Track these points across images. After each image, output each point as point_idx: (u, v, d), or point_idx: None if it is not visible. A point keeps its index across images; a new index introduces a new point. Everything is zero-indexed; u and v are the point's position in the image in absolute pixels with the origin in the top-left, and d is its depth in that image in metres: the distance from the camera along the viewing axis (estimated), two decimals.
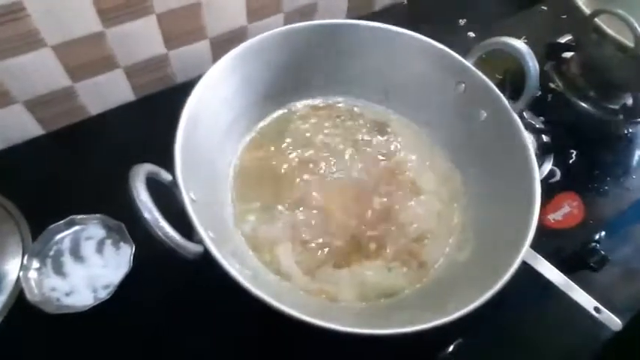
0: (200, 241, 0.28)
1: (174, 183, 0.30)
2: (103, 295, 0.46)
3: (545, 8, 0.77)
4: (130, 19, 0.53)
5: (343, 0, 0.71)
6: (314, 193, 0.46)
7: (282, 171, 0.48)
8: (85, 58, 0.53)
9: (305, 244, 0.43)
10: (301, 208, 0.45)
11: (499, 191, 0.41)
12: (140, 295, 0.47)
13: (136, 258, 0.48)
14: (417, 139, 0.51)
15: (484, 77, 0.41)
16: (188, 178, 0.30)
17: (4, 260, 0.49)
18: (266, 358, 0.46)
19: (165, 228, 0.28)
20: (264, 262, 0.41)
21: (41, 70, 0.51)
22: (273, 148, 0.48)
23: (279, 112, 0.50)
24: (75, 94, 0.56)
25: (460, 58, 0.42)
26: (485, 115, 0.42)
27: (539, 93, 0.58)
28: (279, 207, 0.45)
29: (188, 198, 0.29)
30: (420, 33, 0.71)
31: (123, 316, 0.46)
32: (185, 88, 0.63)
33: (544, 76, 0.61)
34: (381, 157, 0.50)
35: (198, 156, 0.34)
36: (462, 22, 0.77)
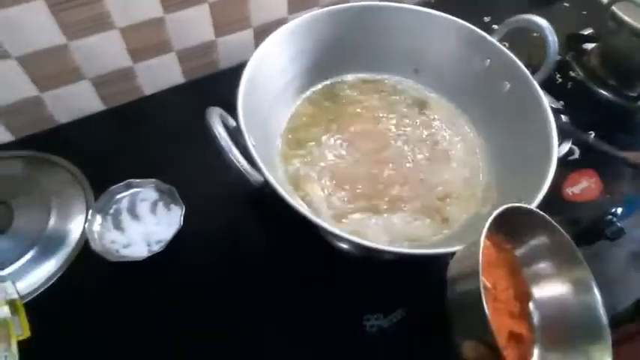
0: (262, 173, 0.33)
1: (237, 129, 0.35)
2: (156, 248, 0.51)
3: (567, 5, 0.81)
4: (186, 6, 0.59)
5: None
6: (357, 144, 0.52)
7: (330, 122, 0.54)
8: (146, 41, 0.59)
9: (339, 189, 0.48)
10: (343, 154, 0.51)
11: (520, 153, 0.45)
12: (189, 250, 0.52)
13: (186, 218, 0.53)
14: (452, 116, 0.56)
15: (508, 52, 0.45)
16: (249, 125, 0.35)
17: (70, 219, 0.55)
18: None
19: (237, 155, 0.33)
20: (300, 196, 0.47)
21: (108, 51, 0.58)
22: (327, 104, 0.55)
23: (328, 81, 0.56)
24: (134, 74, 0.62)
25: (486, 35, 0.46)
26: (508, 86, 0.46)
27: (559, 81, 0.62)
28: (324, 152, 0.51)
29: (250, 141, 0.34)
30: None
31: (174, 267, 0.51)
32: (228, 74, 0.70)
33: (565, 65, 0.65)
34: (418, 130, 0.55)
35: (257, 110, 0.39)
36: (487, 19, 0.81)
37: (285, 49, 0.44)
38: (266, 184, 0.32)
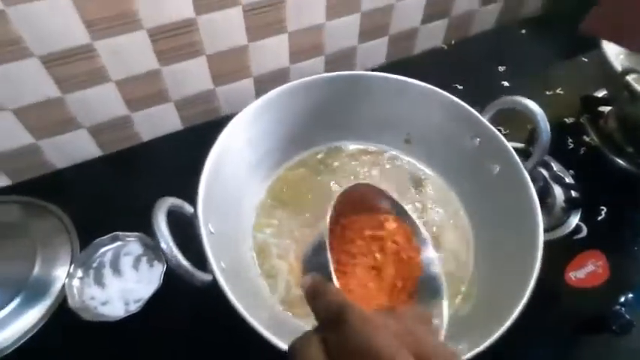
0: (211, 271, 0.31)
1: (195, 215, 0.34)
2: (133, 308, 0.50)
3: (586, 60, 0.76)
4: (183, 59, 0.59)
5: (383, 44, 0.75)
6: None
7: (309, 196, 0.51)
8: (142, 91, 0.60)
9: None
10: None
11: (506, 246, 0.41)
12: (165, 311, 0.51)
13: (166, 276, 0.52)
14: (445, 196, 0.53)
15: (497, 133, 0.42)
16: (209, 211, 0.34)
17: (55, 267, 0.55)
18: None
19: (177, 257, 0.31)
20: (264, 270, 0.44)
21: (105, 102, 0.58)
22: (307, 175, 0.51)
23: (305, 153, 0.54)
24: (131, 122, 0.63)
25: (475, 112, 0.44)
26: (498, 169, 0.43)
27: (571, 146, 0.58)
28: (294, 226, 0.47)
29: (206, 230, 0.33)
30: (454, 78, 0.73)
31: (148, 328, 0.50)
32: (228, 120, 0.69)
33: (578, 129, 0.61)
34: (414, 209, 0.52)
35: (224, 190, 0.38)
36: (501, 68, 0.78)
37: (258, 123, 0.43)
38: (213, 282, 0.30)
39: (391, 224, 0.36)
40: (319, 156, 0.56)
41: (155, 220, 0.32)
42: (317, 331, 0.23)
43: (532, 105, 0.40)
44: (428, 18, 0.75)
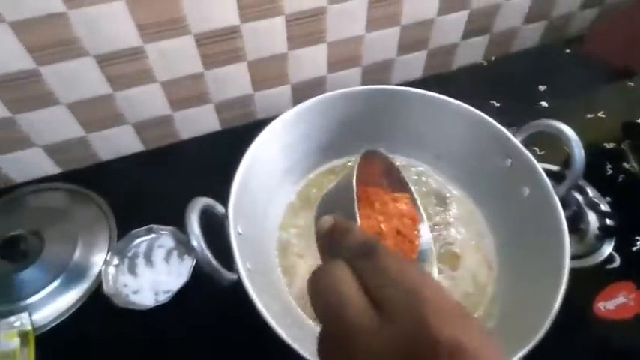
0: (237, 271, 0.32)
1: (225, 216, 0.35)
2: (162, 298, 0.53)
3: (633, 84, 0.74)
4: (225, 63, 0.61)
5: (421, 58, 0.75)
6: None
7: None
8: (185, 93, 0.63)
9: None
10: None
11: (531, 269, 0.41)
12: (192, 304, 0.53)
13: (195, 271, 0.54)
14: (469, 215, 0.52)
15: (529, 155, 0.41)
16: (239, 213, 0.35)
17: (94, 253, 0.58)
18: None
19: (207, 256, 0.33)
20: (283, 267, 0.45)
21: (150, 100, 0.61)
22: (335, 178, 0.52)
23: (337, 162, 0.55)
24: (172, 121, 0.66)
25: (507, 133, 0.43)
26: (528, 192, 0.42)
27: (610, 172, 0.56)
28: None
29: (234, 232, 0.34)
30: (492, 95, 0.72)
31: (175, 320, 0.52)
32: (264, 124, 0.71)
33: (618, 155, 0.59)
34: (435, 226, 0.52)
35: (254, 193, 0.40)
36: (541, 88, 0.76)
37: (292, 131, 0.44)
38: (239, 281, 0.32)
39: (403, 205, 0.37)
40: (350, 164, 0.57)
41: (188, 219, 0.34)
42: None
43: (567, 130, 0.39)
44: (469, 34, 0.74)
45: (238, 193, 0.36)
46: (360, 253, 0.22)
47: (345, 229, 0.24)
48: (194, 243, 0.33)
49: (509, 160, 0.43)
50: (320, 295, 0.21)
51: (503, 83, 0.77)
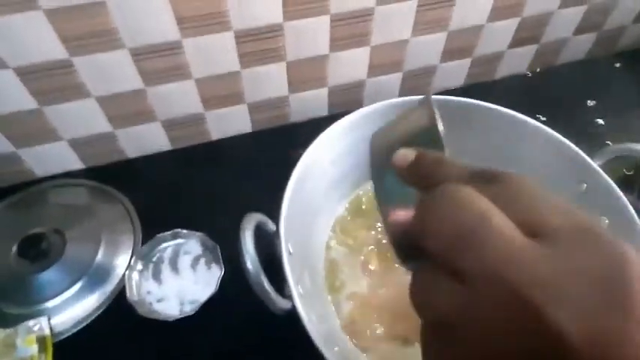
0: (290, 296, 0.29)
1: (276, 234, 0.32)
2: (188, 309, 0.50)
3: None
4: (264, 63, 0.58)
5: (464, 66, 0.71)
6: None
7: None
8: (219, 91, 0.59)
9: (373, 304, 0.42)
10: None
11: None
12: (219, 319, 0.50)
13: (223, 281, 0.51)
14: None
15: (610, 181, 0.37)
16: (290, 230, 0.32)
17: (117, 255, 0.56)
18: None
19: (263, 282, 0.30)
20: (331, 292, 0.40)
21: (183, 98, 0.58)
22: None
23: None
24: (204, 120, 0.63)
25: (585, 156, 0.39)
26: (607, 222, 0.38)
27: None
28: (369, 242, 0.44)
29: (286, 251, 0.31)
30: (537, 108, 0.69)
31: (201, 334, 0.49)
32: (296, 128, 0.68)
33: None
34: None
35: (303, 208, 0.36)
36: (590, 103, 0.72)
37: (343, 141, 0.40)
38: (293, 309, 0.29)
39: None
40: None
41: (243, 237, 0.31)
42: None
43: None
44: (516, 42, 0.71)
45: (289, 208, 0.33)
46: (476, 178, 0.17)
47: (439, 158, 0.20)
48: (249, 266, 0.30)
49: (585, 185, 0.39)
50: (446, 216, 0.16)
51: (549, 96, 0.73)
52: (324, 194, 0.42)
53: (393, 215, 0.22)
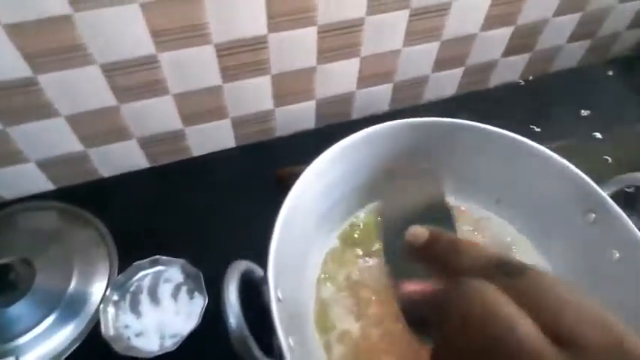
0: (279, 354, 0.26)
1: (264, 280, 0.29)
2: (169, 344, 0.46)
3: None
4: (247, 76, 0.55)
5: (456, 75, 0.69)
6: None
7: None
8: (200, 106, 0.56)
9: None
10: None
11: None
12: (202, 355, 0.46)
13: (206, 312, 0.48)
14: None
15: (622, 214, 0.35)
16: (278, 273, 0.29)
17: (92, 283, 0.52)
18: None
19: (247, 341, 0.27)
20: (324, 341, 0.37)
21: (160, 114, 0.54)
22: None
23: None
24: (183, 136, 0.59)
25: (592, 183, 0.37)
26: (617, 255, 0.36)
27: None
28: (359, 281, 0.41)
29: (275, 299, 0.28)
30: (531, 118, 0.67)
31: None
32: (282, 142, 0.65)
33: None
34: None
35: (292, 247, 0.33)
36: (584, 112, 0.70)
37: (333, 169, 0.37)
38: None
39: None
40: None
41: (226, 289, 0.27)
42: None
43: None
44: (509, 51, 0.68)
45: (277, 250, 0.30)
46: (495, 269, 0.17)
47: (454, 242, 0.19)
48: (231, 321, 0.27)
49: (593, 216, 0.37)
50: (473, 319, 0.15)
51: (543, 106, 0.71)
52: (314, 228, 0.39)
53: (405, 286, 0.21)
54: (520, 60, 0.71)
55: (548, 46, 0.71)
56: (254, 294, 0.31)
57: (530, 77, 0.76)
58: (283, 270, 0.31)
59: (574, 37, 0.71)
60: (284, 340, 0.27)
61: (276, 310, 0.28)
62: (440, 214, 0.21)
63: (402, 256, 0.21)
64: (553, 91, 0.74)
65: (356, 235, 0.43)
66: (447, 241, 0.20)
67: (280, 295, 0.30)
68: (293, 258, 0.34)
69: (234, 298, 0.27)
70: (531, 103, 0.72)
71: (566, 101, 0.72)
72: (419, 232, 0.21)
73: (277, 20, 0.50)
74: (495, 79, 0.73)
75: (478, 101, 0.72)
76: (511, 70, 0.73)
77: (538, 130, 0.67)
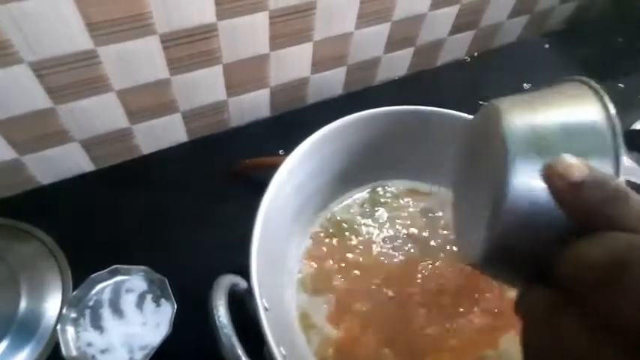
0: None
1: (249, 291, 0.28)
2: (140, 357, 0.44)
3: (623, 86, 0.73)
4: (197, 67, 0.51)
5: (407, 55, 0.69)
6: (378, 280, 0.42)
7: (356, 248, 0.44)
8: (147, 102, 0.52)
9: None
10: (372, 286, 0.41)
11: None
12: None
13: (177, 319, 0.46)
14: None
15: None
16: (262, 282, 0.28)
17: (44, 300, 0.48)
18: None
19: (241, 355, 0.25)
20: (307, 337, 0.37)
21: (104, 113, 0.50)
22: (346, 226, 0.44)
23: (357, 194, 0.47)
24: (131, 135, 0.55)
25: None
26: None
27: None
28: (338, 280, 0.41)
29: (263, 310, 0.27)
30: (478, 93, 0.68)
31: None
32: (237, 132, 0.62)
33: None
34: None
35: (270, 249, 0.32)
36: (526, 86, 0.74)
37: (306, 165, 0.36)
38: None
39: None
40: (366, 194, 0.49)
41: (215, 307, 0.26)
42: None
43: None
44: (456, 29, 0.69)
45: (258, 258, 0.28)
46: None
47: (624, 192, 0.14)
48: (223, 339, 0.25)
49: None
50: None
51: (488, 81, 0.74)
52: (289, 229, 0.38)
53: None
54: (466, 37, 0.73)
55: (491, 23, 0.73)
56: (237, 306, 0.30)
57: (475, 54, 0.78)
58: (264, 278, 0.30)
59: (514, 13, 0.74)
60: (276, 349, 0.26)
61: (265, 319, 0.27)
62: (596, 144, 0.16)
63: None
64: (496, 65, 0.77)
65: (331, 230, 0.43)
66: (614, 187, 0.15)
67: (267, 305, 0.29)
68: (272, 264, 0.33)
69: (224, 315, 0.26)
70: (477, 78, 0.74)
71: (509, 76, 0.75)
72: (575, 164, 0.15)
73: (226, 7, 0.46)
74: (444, 57, 0.74)
75: (428, 80, 0.73)
76: (458, 48, 0.74)
77: (486, 104, 0.69)
